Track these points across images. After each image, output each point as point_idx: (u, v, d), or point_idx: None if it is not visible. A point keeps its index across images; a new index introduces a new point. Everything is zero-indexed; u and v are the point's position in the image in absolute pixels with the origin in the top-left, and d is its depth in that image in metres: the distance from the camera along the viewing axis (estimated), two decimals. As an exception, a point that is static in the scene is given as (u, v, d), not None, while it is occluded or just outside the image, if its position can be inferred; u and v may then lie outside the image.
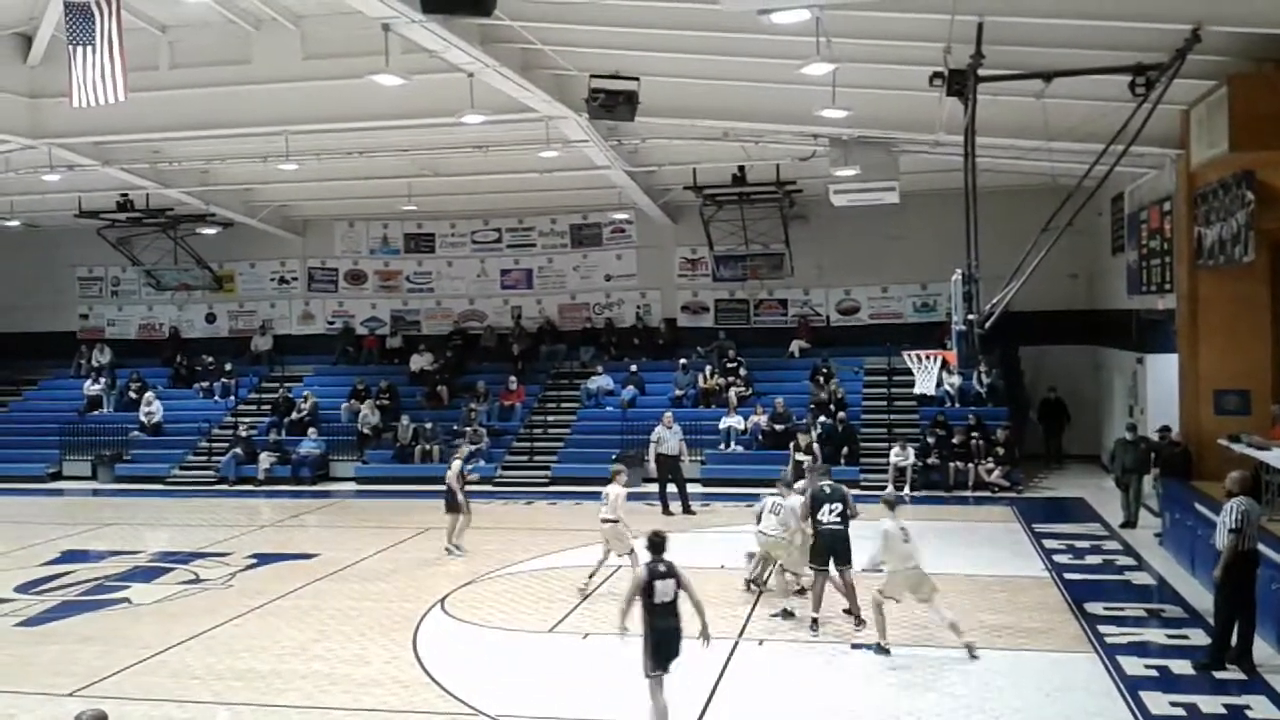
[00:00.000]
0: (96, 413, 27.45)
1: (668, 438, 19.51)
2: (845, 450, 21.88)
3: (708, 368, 25.35)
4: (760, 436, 23.04)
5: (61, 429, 26.38)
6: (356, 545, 16.98)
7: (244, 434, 25.05)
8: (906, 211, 22.34)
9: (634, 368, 25.74)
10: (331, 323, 29.40)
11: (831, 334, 26.45)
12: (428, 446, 24.08)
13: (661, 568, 8.46)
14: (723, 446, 23.16)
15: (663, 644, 8.37)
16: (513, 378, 25.96)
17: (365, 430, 25.00)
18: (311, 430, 24.74)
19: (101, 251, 28.09)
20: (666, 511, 18.96)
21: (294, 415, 25.66)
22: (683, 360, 25.64)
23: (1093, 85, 13.24)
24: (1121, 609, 12.40)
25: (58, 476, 25.58)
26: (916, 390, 17.78)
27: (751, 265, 25.61)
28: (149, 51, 16.62)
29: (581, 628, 12.22)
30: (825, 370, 24.49)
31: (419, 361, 27.27)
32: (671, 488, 19.27)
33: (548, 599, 13.37)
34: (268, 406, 26.72)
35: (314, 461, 24.25)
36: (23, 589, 14.66)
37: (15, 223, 27.11)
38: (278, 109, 17.44)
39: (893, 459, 21.27)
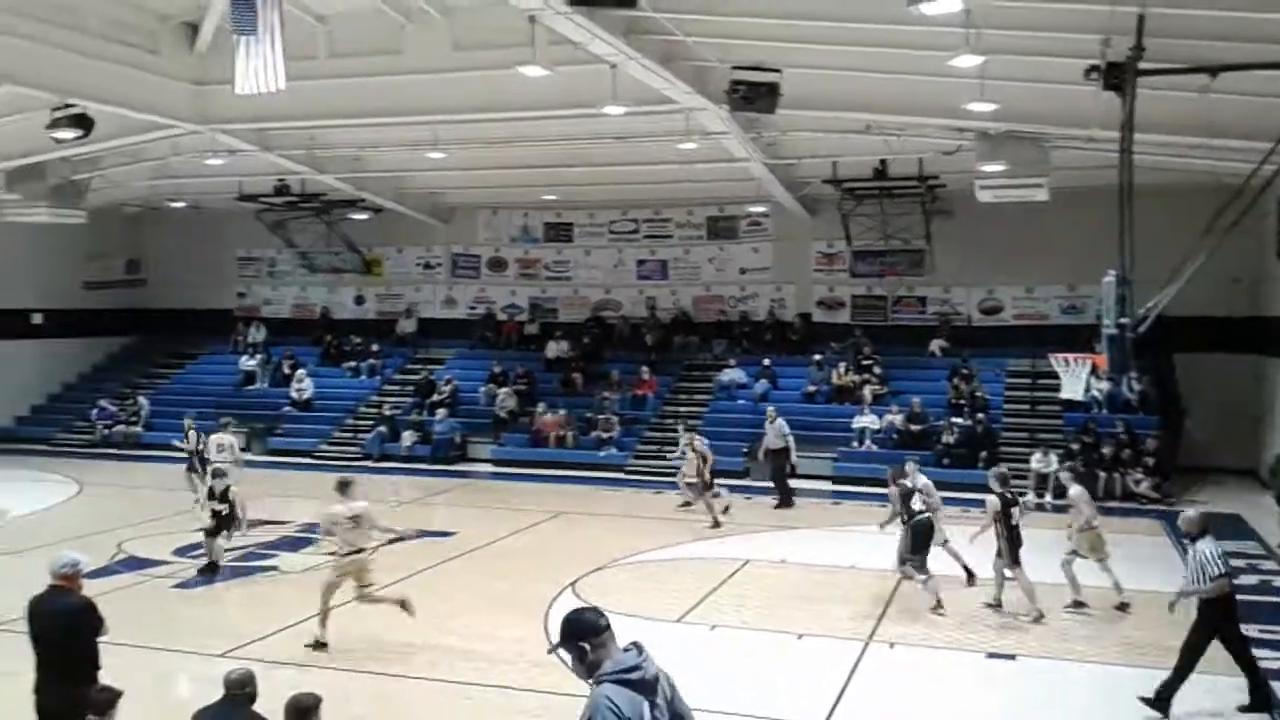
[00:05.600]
0: (251, 387, 28.81)
1: (770, 432, 20.08)
2: (984, 454, 21.31)
3: (842, 364, 25.02)
4: (895, 436, 22.64)
5: (219, 401, 27.53)
6: (491, 526, 17.38)
7: (388, 413, 25.89)
8: (1055, 209, 21.50)
9: (766, 362, 25.58)
10: (473, 308, 30.08)
11: (972, 334, 25.77)
12: (563, 433, 24.45)
13: None
14: (855, 444, 22.86)
15: None
16: (645, 367, 26.13)
17: (502, 414, 25.53)
18: (440, 411, 25.32)
19: (259, 234, 29.29)
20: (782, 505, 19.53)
21: (435, 397, 26.39)
22: (817, 356, 25.37)
23: (1261, 80, 12.55)
24: (1277, 633, 11.77)
25: (215, 447, 26.81)
26: (1063, 395, 17.18)
27: (890, 261, 25.17)
28: (307, 41, 17.14)
29: (708, 619, 12.25)
30: (965, 371, 23.88)
31: (555, 349, 27.68)
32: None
33: (676, 588, 13.44)
34: (411, 387, 27.56)
35: (446, 443, 24.89)
36: (180, 553, 15.49)
37: (181, 204, 28.51)
38: (427, 99, 17.84)
39: (1034, 465, 20.61)
